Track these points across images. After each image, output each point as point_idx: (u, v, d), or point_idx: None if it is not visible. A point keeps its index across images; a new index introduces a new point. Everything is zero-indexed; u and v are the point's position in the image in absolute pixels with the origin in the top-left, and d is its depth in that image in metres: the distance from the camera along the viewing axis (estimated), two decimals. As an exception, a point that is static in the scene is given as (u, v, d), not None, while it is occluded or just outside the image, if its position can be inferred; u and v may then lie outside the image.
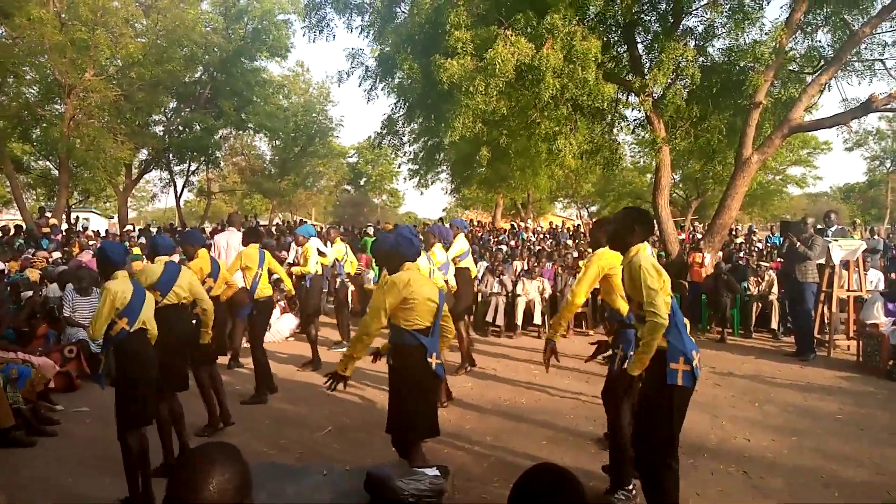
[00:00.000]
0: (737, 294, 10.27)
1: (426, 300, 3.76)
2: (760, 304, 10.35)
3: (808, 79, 11.33)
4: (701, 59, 11.39)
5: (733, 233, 18.04)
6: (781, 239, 9.75)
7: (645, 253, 3.43)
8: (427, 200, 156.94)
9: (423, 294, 3.73)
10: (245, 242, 6.99)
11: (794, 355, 8.64)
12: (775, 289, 10.25)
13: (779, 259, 12.53)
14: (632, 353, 3.44)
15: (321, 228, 17.00)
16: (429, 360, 3.77)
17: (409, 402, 3.67)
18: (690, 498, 4.14)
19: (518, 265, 12.21)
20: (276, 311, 9.63)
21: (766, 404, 6.40)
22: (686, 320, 3.55)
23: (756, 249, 14.85)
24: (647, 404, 3.47)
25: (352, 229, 21.53)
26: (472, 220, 27.31)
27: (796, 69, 12.11)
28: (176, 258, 5.49)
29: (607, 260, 4.13)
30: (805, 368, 8.02)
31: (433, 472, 2.82)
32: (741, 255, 13.23)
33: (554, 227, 24.72)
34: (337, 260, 9.34)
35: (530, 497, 1.56)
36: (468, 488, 4.25)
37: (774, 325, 10.08)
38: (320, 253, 8.82)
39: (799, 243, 8.48)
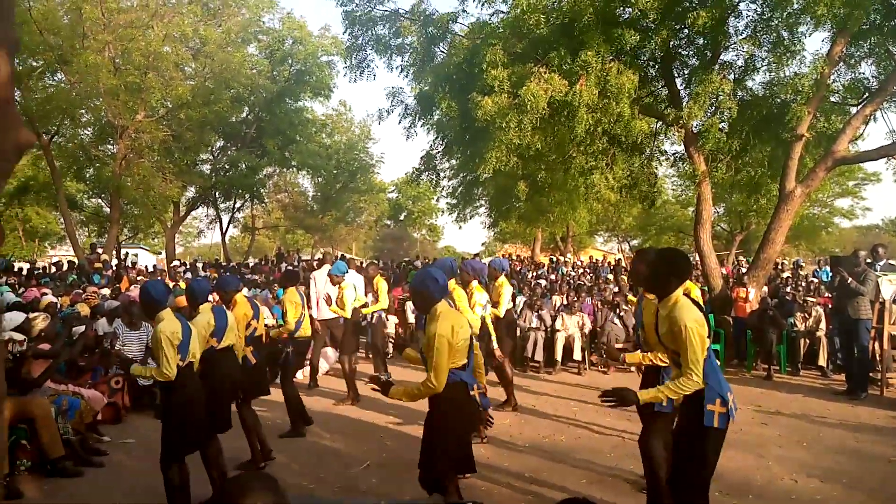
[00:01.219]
0: (783, 330, 10.01)
1: (464, 340, 3.79)
2: (808, 341, 10.07)
3: (853, 110, 11.14)
4: (740, 94, 11.33)
5: (779, 267, 17.64)
6: (831, 273, 9.49)
7: (688, 305, 3.31)
8: (466, 235, 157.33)
9: (462, 336, 3.76)
10: (283, 285, 7.11)
11: (845, 394, 8.36)
12: (823, 325, 9.96)
13: (827, 294, 12.20)
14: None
15: (361, 263, 17.23)
16: (471, 392, 3.80)
17: (446, 439, 3.66)
18: (735, 540, 4.03)
19: (557, 300, 12.14)
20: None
21: (815, 444, 6.20)
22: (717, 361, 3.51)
23: (802, 284, 14.48)
24: (682, 446, 3.41)
25: (391, 264, 21.72)
26: (510, 255, 27.29)
27: (840, 101, 11.93)
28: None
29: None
30: (856, 407, 7.74)
31: (469, 507, 2.82)
32: (787, 289, 12.91)
33: (594, 261, 24.51)
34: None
35: None
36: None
37: (822, 362, 9.77)
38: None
39: (850, 279, 8.25)
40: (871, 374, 8.63)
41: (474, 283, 6.57)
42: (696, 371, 3.17)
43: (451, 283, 5.79)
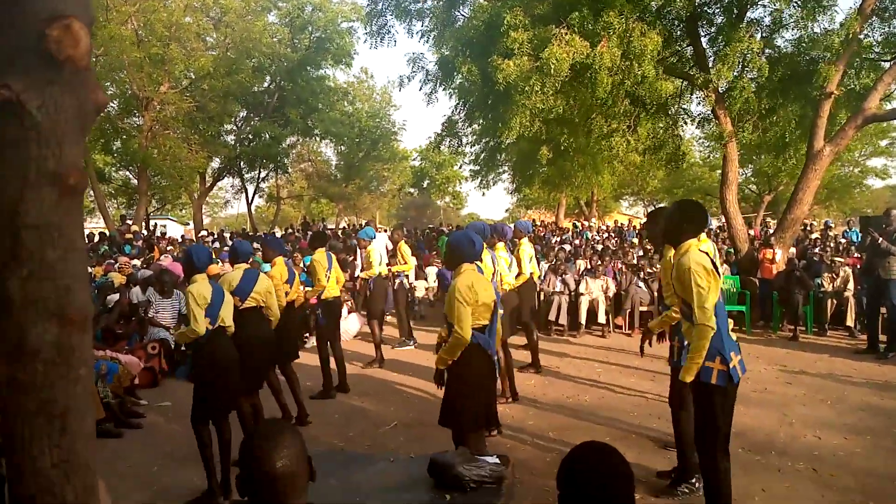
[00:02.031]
0: (809, 291, 9.94)
1: (485, 302, 3.86)
2: (835, 301, 9.99)
3: (885, 66, 10.85)
4: (768, 51, 11.08)
5: (807, 228, 17.40)
6: (860, 235, 9.36)
7: (695, 251, 3.37)
8: (489, 201, 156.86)
9: (482, 296, 3.83)
10: (312, 247, 7.25)
11: (867, 352, 8.33)
12: (851, 285, 9.87)
13: (856, 255, 12.05)
14: (687, 344, 3.43)
15: (384, 231, 17.36)
16: (493, 358, 3.88)
17: (466, 396, 3.76)
18: (756, 494, 4.11)
19: (581, 264, 12.16)
20: (344, 311, 9.92)
21: (840, 403, 6.21)
22: (730, 319, 3.54)
23: (831, 245, 14.29)
24: (695, 404, 3.51)
25: (415, 231, 21.84)
26: (534, 220, 27.22)
27: (872, 57, 11.61)
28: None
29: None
30: (883, 366, 7.71)
31: (494, 459, 2.93)
32: (815, 250, 12.77)
33: (619, 225, 24.37)
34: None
35: (577, 472, 1.65)
36: (530, 481, 4.33)
37: (850, 322, 9.70)
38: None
39: (882, 239, 8.13)
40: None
41: (499, 244, 6.66)
42: (703, 315, 3.21)
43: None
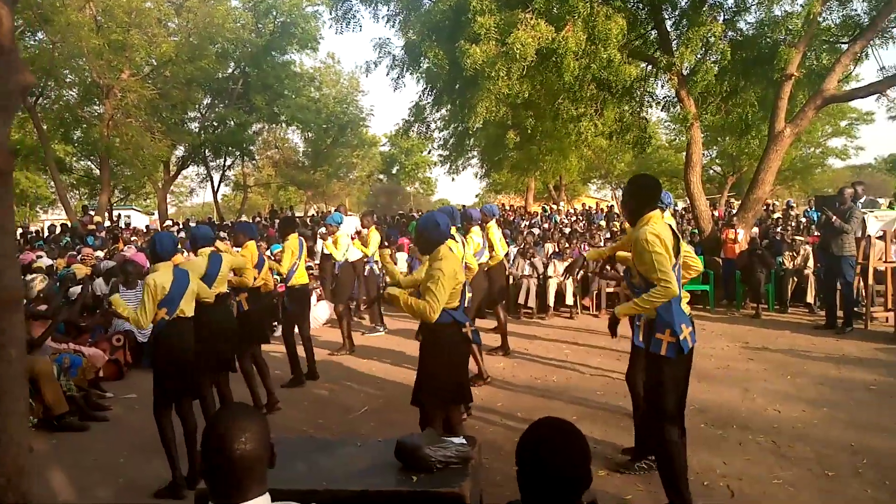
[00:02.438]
0: (771, 269, 10.16)
1: (460, 283, 3.92)
2: (796, 279, 10.24)
3: (844, 48, 11.07)
4: (730, 34, 11.22)
5: (770, 208, 17.75)
6: (818, 214, 9.59)
7: (654, 223, 3.40)
8: (459, 186, 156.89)
9: (458, 280, 3.89)
10: (282, 234, 7.19)
11: (825, 328, 8.58)
12: (811, 263, 10.12)
13: (816, 234, 12.35)
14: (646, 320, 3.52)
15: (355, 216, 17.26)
16: (463, 330, 3.94)
17: (439, 373, 3.81)
18: (717, 467, 4.22)
19: (550, 247, 12.26)
20: (313, 299, 9.88)
21: (799, 377, 6.39)
22: (686, 294, 3.62)
23: (792, 224, 14.61)
24: (646, 375, 3.61)
25: (385, 217, 21.78)
26: (504, 205, 27.32)
27: (831, 39, 11.84)
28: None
29: None
30: (841, 341, 7.94)
31: (460, 440, 2.96)
32: (777, 230, 13.05)
33: (587, 208, 24.58)
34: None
35: (534, 448, 1.69)
36: (498, 461, 4.39)
37: (810, 299, 9.96)
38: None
39: (835, 217, 8.34)
40: (855, 309, 8.82)
41: (474, 228, 6.73)
42: (664, 279, 3.25)
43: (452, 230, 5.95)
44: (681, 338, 3.35)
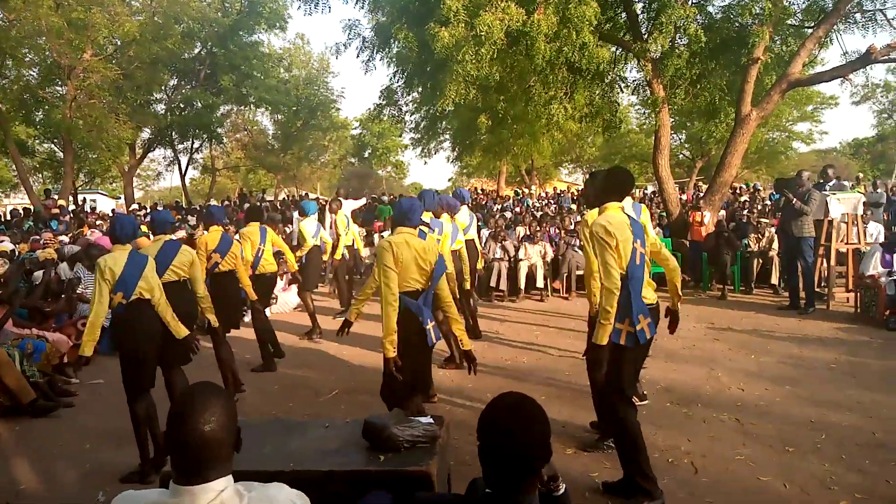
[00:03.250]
0: (737, 251, 10.34)
1: (414, 263, 3.88)
2: (761, 261, 10.43)
3: (809, 32, 11.23)
4: (699, 19, 11.30)
5: (737, 191, 18.03)
6: (777, 195, 9.78)
7: (608, 213, 3.48)
8: (432, 170, 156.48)
9: (407, 256, 3.85)
10: (246, 221, 7.16)
11: (789, 308, 8.76)
12: (776, 245, 10.31)
13: (779, 215, 12.59)
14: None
15: (325, 202, 17.13)
16: (424, 326, 3.91)
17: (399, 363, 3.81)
18: (682, 444, 4.30)
19: (521, 230, 12.32)
20: (282, 283, 9.83)
21: (763, 356, 6.53)
22: (652, 282, 3.68)
23: (758, 207, 14.87)
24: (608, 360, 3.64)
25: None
26: (476, 189, 27.33)
27: (797, 24, 12.00)
28: (181, 234, 5.65)
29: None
30: (803, 321, 8.13)
31: (427, 419, 2.98)
32: (744, 213, 13.27)
33: (559, 192, 24.71)
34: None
35: (492, 420, 1.71)
36: (466, 440, 4.41)
37: (775, 280, 10.17)
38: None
39: (795, 199, 8.50)
40: (818, 290, 9.02)
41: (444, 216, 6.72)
42: (606, 275, 3.31)
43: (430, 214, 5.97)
44: (637, 328, 3.41)
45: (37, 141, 23.56)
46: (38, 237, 11.03)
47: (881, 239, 9.97)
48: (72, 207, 18.02)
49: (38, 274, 8.26)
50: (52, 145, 23.59)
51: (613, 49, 12.04)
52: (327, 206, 10.96)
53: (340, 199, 10.90)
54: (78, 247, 9.41)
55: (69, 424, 5.27)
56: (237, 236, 7.19)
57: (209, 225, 6.52)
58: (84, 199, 23.45)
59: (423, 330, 3.92)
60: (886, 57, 10.34)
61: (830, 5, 11.10)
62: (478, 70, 9.84)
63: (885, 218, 12.34)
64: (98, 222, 14.48)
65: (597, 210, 3.83)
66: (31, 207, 16.35)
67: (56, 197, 17.68)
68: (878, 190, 13.84)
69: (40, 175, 25.96)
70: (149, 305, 4.28)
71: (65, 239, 11.32)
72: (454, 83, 10.04)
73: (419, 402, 4.16)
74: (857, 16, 11.78)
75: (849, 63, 11.03)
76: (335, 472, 2.64)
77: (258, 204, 13.94)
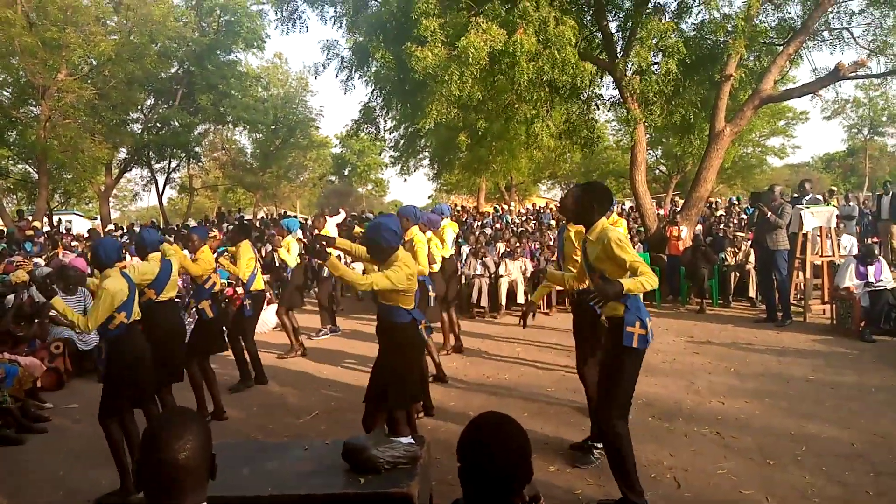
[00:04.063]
0: (714, 265, 10.44)
1: (414, 286, 4.01)
2: (738, 274, 10.54)
3: (780, 50, 11.46)
4: (673, 36, 11.48)
5: (713, 206, 18.26)
6: (752, 210, 9.93)
7: (612, 227, 3.60)
8: (412, 187, 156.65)
9: (413, 283, 3.97)
10: (234, 241, 7.09)
11: (765, 321, 8.84)
12: (752, 258, 10.42)
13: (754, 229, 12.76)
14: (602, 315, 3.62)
15: (305, 220, 17.08)
16: (420, 328, 4.04)
17: (406, 373, 3.90)
18: (664, 459, 4.30)
19: (501, 247, 12.34)
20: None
21: (742, 369, 6.57)
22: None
23: (734, 221, 15.07)
24: (606, 366, 3.65)
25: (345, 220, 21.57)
26: (456, 205, 27.41)
27: (767, 41, 12.24)
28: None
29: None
30: (781, 334, 8.20)
31: (408, 440, 2.94)
32: (720, 227, 13.44)
33: (538, 208, 24.85)
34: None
35: (472, 441, 1.69)
36: (449, 460, 4.38)
37: (752, 293, 10.26)
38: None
39: (770, 213, 8.62)
40: (794, 302, 9.12)
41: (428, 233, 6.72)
42: (647, 269, 3.34)
43: (415, 230, 5.95)
44: (649, 328, 3.49)
45: (10, 162, 23.23)
46: (12, 259, 10.83)
47: (854, 251, 10.12)
48: (46, 229, 17.74)
49: (11, 298, 8.12)
50: (27, 166, 23.29)
51: (592, 67, 12.18)
52: (311, 223, 10.92)
53: (325, 216, 10.90)
54: (49, 268, 9.26)
55: (42, 450, 5.16)
56: (226, 253, 7.12)
57: (199, 245, 6.03)
58: (59, 220, 23.11)
59: (422, 335, 4.10)
60: (854, 74, 10.58)
61: (799, 23, 11.35)
62: (461, 90, 9.88)
63: (858, 231, 12.56)
64: (73, 243, 14.26)
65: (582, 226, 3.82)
66: (4, 229, 16.07)
67: (30, 218, 17.41)
68: (851, 203, 14.10)
69: (14, 196, 25.55)
70: (138, 327, 4.29)
71: (39, 261, 11.12)
72: (436, 103, 10.08)
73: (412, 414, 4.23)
74: (825, 34, 12.08)
75: (818, 79, 11.28)
76: (314, 495, 2.60)
77: (241, 221, 13.88)
